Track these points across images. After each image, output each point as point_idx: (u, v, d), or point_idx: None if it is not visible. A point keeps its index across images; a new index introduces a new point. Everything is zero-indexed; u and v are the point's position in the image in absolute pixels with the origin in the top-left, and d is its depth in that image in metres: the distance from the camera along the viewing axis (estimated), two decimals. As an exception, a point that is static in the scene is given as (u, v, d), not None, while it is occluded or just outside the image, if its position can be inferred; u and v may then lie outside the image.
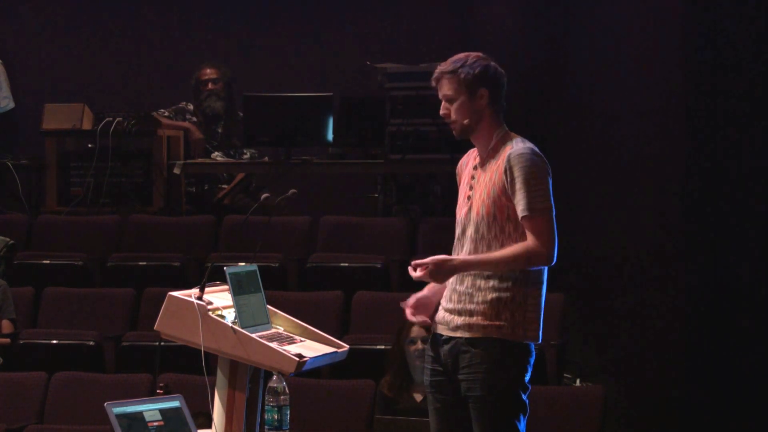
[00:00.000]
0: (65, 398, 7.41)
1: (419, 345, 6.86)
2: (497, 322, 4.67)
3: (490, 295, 4.68)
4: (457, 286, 4.75)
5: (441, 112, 4.80)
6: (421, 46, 10.38)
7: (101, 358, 7.78)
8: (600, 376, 7.96)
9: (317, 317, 6.92)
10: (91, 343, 7.74)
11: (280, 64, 10.83)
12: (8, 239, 8.58)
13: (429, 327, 6.87)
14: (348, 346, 4.91)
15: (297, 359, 4.53)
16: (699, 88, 8.37)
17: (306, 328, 4.89)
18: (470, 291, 4.71)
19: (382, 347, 7.30)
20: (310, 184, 9.33)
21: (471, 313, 4.70)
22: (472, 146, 4.87)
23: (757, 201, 8.18)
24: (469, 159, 4.90)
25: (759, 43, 8.19)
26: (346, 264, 8.40)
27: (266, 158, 9.44)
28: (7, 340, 7.76)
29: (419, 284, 8.10)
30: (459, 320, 4.73)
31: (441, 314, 4.83)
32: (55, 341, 7.77)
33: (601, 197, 8.87)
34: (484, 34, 9.93)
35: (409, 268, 4.73)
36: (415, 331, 6.90)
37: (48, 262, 8.62)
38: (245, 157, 9.52)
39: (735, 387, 8.12)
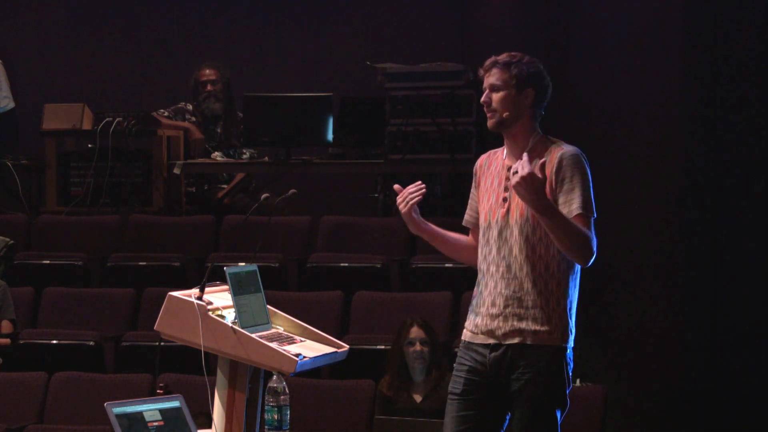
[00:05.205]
0: (65, 398, 7.41)
1: (418, 346, 6.87)
2: (547, 327, 4.63)
3: (540, 300, 4.64)
4: (503, 290, 4.68)
5: (482, 99, 4.76)
6: (421, 46, 10.38)
7: (101, 358, 7.78)
8: (600, 376, 7.95)
9: (317, 317, 6.91)
10: (91, 343, 7.74)
11: (280, 64, 10.83)
12: (8, 239, 8.58)
13: (428, 328, 6.92)
14: (348, 346, 4.90)
15: (297, 359, 4.52)
16: (700, 89, 8.36)
17: (306, 328, 4.89)
18: (518, 295, 4.65)
19: (382, 347, 7.30)
20: (310, 184, 9.33)
21: (520, 318, 4.66)
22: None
23: (759, 202, 8.17)
24: (492, 160, 4.85)
25: (761, 43, 8.19)
26: (346, 264, 8.39)
27: (266, 158, 9.44)
28: (7, 341, 7.76)
29: (419, 285, 8.17)
30: (507, 326, 4.66)
31: (483, 321, 4.72)
32: (55, 341, 7.77)
33: (602, 197, 8.84)
34: (484, 33, 9.91)
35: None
36: (414, 333, 6.91)
37: (48, 262, 8.62)
38: (245, 157, 9.52)
39: (735, 387, 8.12)
